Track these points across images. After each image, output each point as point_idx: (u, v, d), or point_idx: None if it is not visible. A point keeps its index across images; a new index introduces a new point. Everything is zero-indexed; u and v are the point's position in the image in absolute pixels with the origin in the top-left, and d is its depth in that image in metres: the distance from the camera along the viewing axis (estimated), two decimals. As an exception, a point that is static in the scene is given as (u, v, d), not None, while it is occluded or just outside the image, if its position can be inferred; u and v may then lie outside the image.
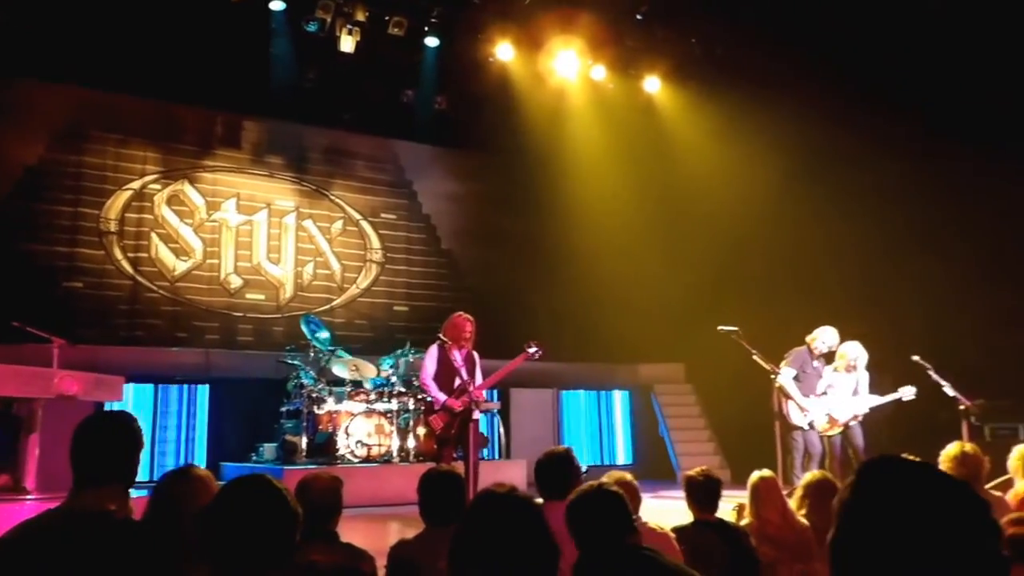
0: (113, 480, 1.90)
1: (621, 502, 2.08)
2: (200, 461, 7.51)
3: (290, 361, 7.78)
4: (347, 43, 8.86)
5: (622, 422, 10.39)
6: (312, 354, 7.85)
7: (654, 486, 7.06)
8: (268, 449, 7.69)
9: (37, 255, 8.32)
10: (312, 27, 8.77)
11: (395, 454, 7.51)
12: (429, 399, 5.55)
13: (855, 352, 6.00)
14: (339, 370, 7.72)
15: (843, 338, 6.09)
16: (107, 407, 5.79)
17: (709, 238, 9.39)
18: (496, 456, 8.36)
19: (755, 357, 5.78)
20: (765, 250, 8.95)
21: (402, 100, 10.09)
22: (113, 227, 8.84)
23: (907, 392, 5.88)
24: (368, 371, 7.83)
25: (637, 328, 9.56)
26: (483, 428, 6.96)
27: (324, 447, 7.41)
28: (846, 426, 6.00)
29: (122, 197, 8.95)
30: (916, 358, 5.74)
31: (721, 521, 3.11)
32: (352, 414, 7.45)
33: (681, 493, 3.22)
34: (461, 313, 5.52)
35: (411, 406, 7.62)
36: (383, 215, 10.48)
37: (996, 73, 7.44)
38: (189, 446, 8.12)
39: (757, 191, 8.55)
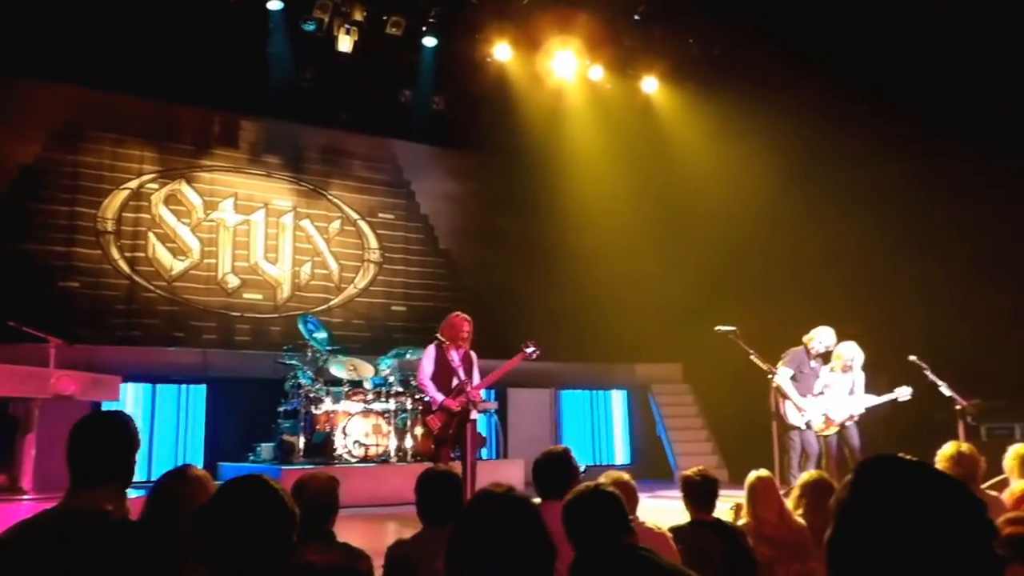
0: (110, 480, 1.89)
1: (617, 502, 2.08)
2: (197, 461, 7.49)
3: (288, 361, 7.78)
4: (345, 43, 8.86)
5: (620, 422, 10.40)
6: (310, 354, 7.84)
7: (652, 486, 7.07)
8: (265, 449, 7.69)
9: (34, 255, 8.30)
10: (310, 27, 8.76)
11: (392, 454, 7.51)
12: (427, 399, 5.55)
13: (851, 352, 6.01)
14: (337, 370, 7.72)
15: (840, 338, 6.10)
16: (104, 407, 5.77)
17: (707, 238, 9.40)
18: (494, 456, 8.37)
19: (752, 357, 5.79)
20: (763, 250, 8.96)
21: (400, 100, 10.09)
22: (110, 227, 8.82)
23: (903, 393, 5.90)
24: (366, 371, 7.83)
25: (635, 328, 9.56)
26: (481, 428, 6.95)
27: (321, 447, 7.40)
28: (842, 426, 6.01)
29: (119, 196, 8.93)
30: (913, 358, 5.75)
31: (718, 521, 3.12)
32: (349, 414, 7.45)
33: (679, 493, 3.22)
34: (458, 313, 5.52)
35: (409, 406, 7.62)
36: (381, 215, 10.47)
37: (994, 73, 7.46)
38: (186, 446, 8.11)
39: (755, 191, 8.56)
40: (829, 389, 6.06)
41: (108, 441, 1.94)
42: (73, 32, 8.03)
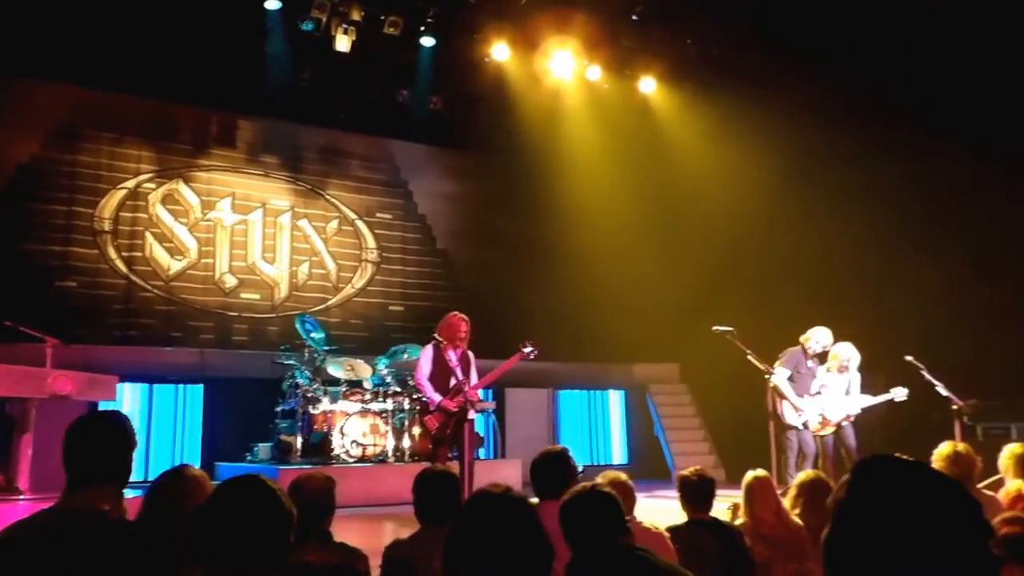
0: (106, 480, 1.89)
1: (614, 503, 2.09)
2: (194, 461, 7.49)
3: (285, 361, 7.77)
4: (343, 42, 8.85)
5: (617, 422, 10.40)
6: (307, 354, 7.83)
7: (649, 486, 7.07)
8: (263, 449, 7.68)
9: (30, 254, 8.28)
10: (308, 26, 8.75)
11: (390, 454, 7.50)
12: (425, 399, 5.54)
13: (847, 353, 6.02)
14: (334, 370, 7.71)
15: (837, 338, 6.12)
16: (101, 407, 5.77)
17: (704, 239, 9.41)
18: (491, 456, 8.37)
19: (750, 357, 5.80)
20: (760, 250, 8.98)
21: (398, 100, 10.08)
22: (107, 226, 8.80)
23: (899, 393, 5.91)
24: (363, 371, 7.83)
25: (632, 328, 9.57)
26: (479, 428, 6.95)
27: (319, 447, 7.40)
28: (838, 426, 6.03)
29: (116, 196, 8.91)
30: (909, 358, 5.76)
31: (716, 520, 3.12)
32: (347, 414, 7.45)
33: (676, 493, 3.22)
34: (456, 313, 5.52)
35: (406, 406, 7.62)
36: (378, 215, 10.47)
37: (990, 73, 7.48)
38: (183, 446, 8.10)
39: (752, 191, 8.57)
40: (826, 389, 6.07)
41: (105, 441, 1.94)
42: (70, 31, 8.01)
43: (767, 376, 5.90)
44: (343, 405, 7.49)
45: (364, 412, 7.50)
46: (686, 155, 9.54)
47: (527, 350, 5.45)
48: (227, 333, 9.21)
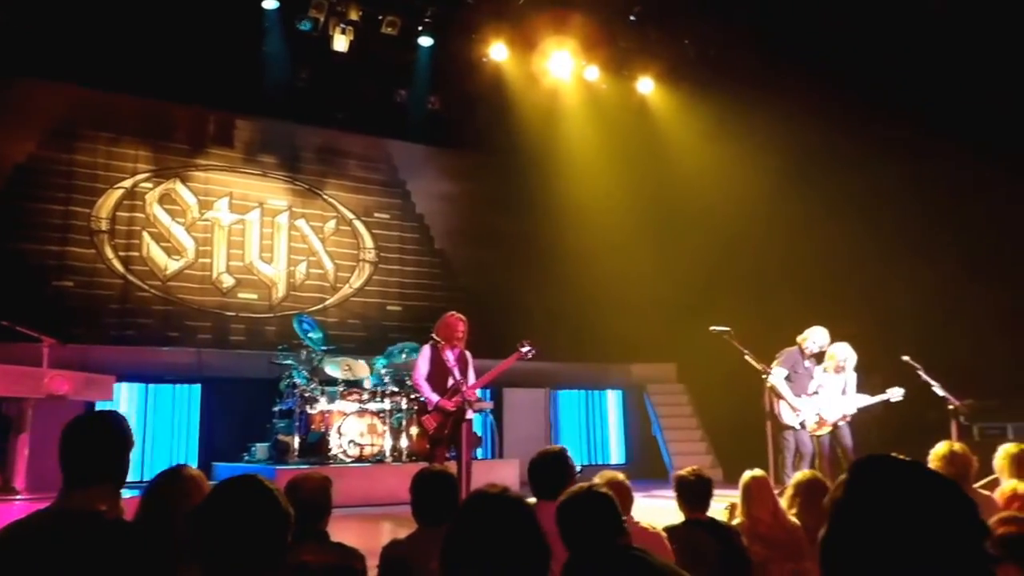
0: (103, 480, 1.89)
1: (610, 503, 2.09)
2: (192, 461, 7.48)
3: (283, 361, 7.76)
4: (340, 42, 8.85)
5: (615, 422, 10.41)
6: (305, 354, 7.83)
7: (647, 485, 7.08)
8: (260, 449, 7.67)
9: (27, 254, 8.27)
10: (305, 26, 8.74)
11: (388, 454, 7.50)
12: (422, 399, 5.54)
13: (844, 353, 6.03)
14: (332, 370, 7.71)
15: (834, 338, 6.13)
16: (97, 407, 5.76)
17: (702, 239, 9.42)
18: (489, 456, 8.37)
19: (747, 357, 5.81)
20: (757, 251, 8.99)
21: (395, 100, 10.08)
22: (104, 226, 8.79)
23: (895, 394, 5.92)
24: (361, 371, 7.82)
25: (630, 328, 9.58)
26: (476, 428, 6.96)
27: (316, 447, 7.39)
28: (835, 426, 6.04)
29: (113, 196, 8.90)
30: (906, 358, 5.77)
31: (713, 520, 3.13)
32: (345, 414, 7.44)
33: (674, 492, 3.23)
34: (454, 313, 5.53)
35: (404, 406, 7.62)
36: (376, 215, 10.46)
37: (987, 75, 7.50)
38: (181, 446, 8.09)
39: (749, 192, 8.59)
40: (823, 389, 6.08)
41: (101, 441, 1.93)
42: (68, 31, 7.99)
43: (764, 376, 5.91)
44: (341, 405, 7.49)
45: (362, 412, 7.50)
46: (684, 155, 9.55)
47: (525, 350, 5.46)
48: (224, 333, 9.20)
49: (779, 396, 5.98)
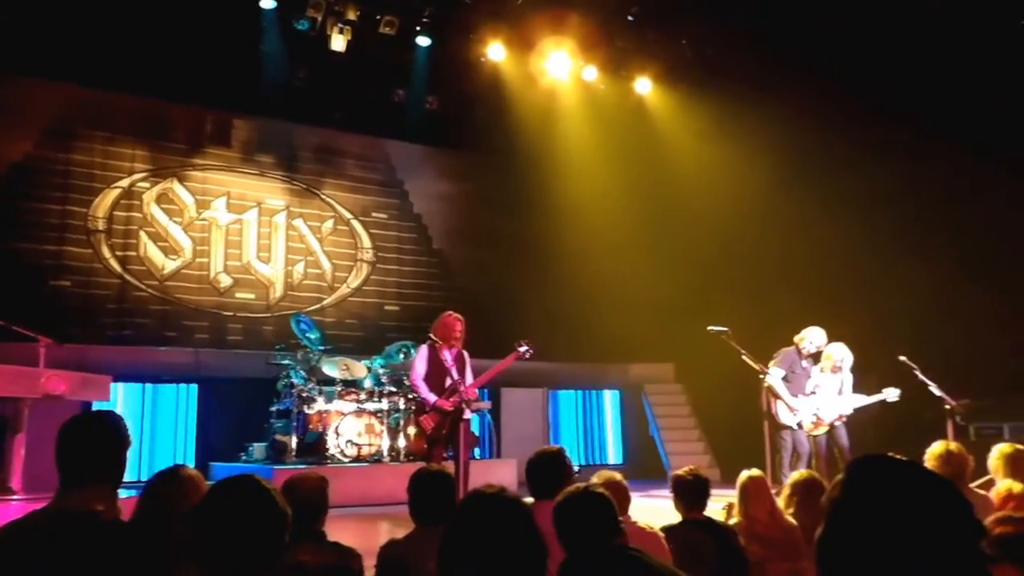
0: (100, 480, 1.89)
1: (607, 504, 2.09)
2: (189, 461, 7.47)
3: (280, 361, 7.75)
4: (338, 42, 8.83)
5: (612, 422, 10.42)
6: (302, 353, 7.82)
7: (644, 485, 7.09)
8: (258, 449, 7.66)
9: (24, 253, 8.24)
10: (303, 25, 8.73)
11: (385, 454, 7.50)
12: (420, 399, 5.55)
13: (841, 354, 6.05)
14: (329, 369, 7.70)
15: (831, 338, 6.14)
16: (94, 407, 5.75)
17: (699, 239, 9.44)
18: (487, 456, 8.37)
19: (744, 357, 5.82)
20: (754, 251, 9.01)
21: (393, 99, 10.07)
22: (101, 225, 8.77)
23: (891, 394, 5.94)
24: (358, 371, 7.82)
25: (627, 328, 9.59)
26: (474, 428, 6.96)
27: (314, 447, 7.39)
28: (831, 426, 6.05)
29: (110, 195, 8.88)
30: (903, 358, 5.79)
31: (710, 520, 3.13)
32: (342, 413, 7.44)
33: (671, 492, 3.23)
34: (451, 312, 5.53)
35: (402, 405, 7.62)
36: (374, 214, 10.45)
37: (984, 76, 7.52)
38: (178, 446, 8.08)
39: (746, 192, 8.60)
40: (820, 389, 6.09)
41: (98, 441, 1.93)
42: (64, 30, 7.97)
43: (762, 376, 5.92)
44: (338, 405, 7.48)
45: (359, 412, 7.49)
46: (681, 156, 9.56)
47: (522, 349, 5.46)
48: (222, 333, 9.18)
49: (776, 396, 5.99)
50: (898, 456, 1.09)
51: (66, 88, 8.59)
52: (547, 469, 2.85)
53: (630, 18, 9.35)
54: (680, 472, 3.21)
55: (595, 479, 2.60)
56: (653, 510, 4.37)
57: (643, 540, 2.50)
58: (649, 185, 9.99)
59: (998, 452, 3.56)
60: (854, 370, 6.13)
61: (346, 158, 10.38)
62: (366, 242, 10.36)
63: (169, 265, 9.06)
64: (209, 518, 1.58)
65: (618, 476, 2.89)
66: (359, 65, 9.39)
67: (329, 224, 10.14)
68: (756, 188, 8.50)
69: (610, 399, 10.46)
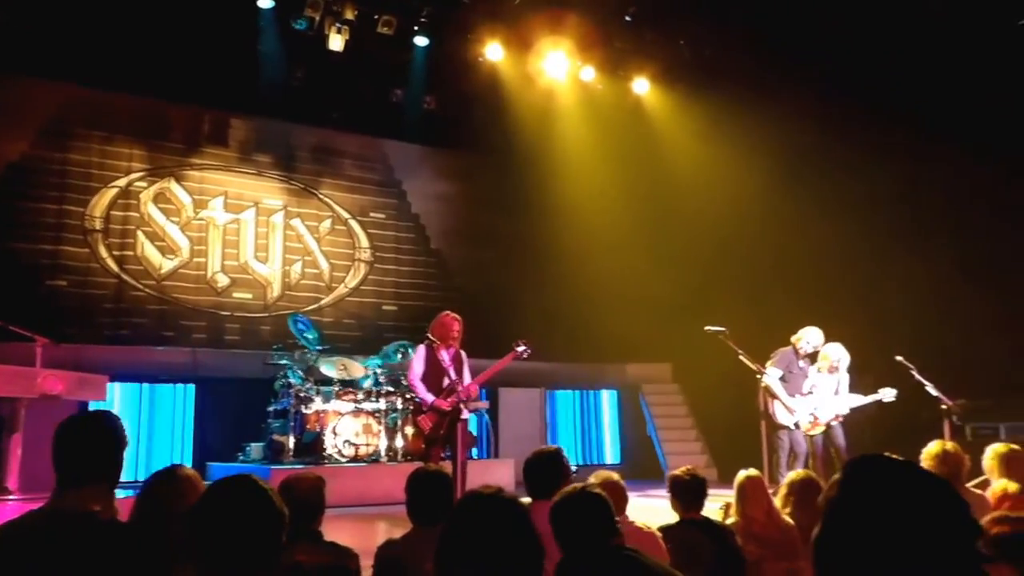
0: (97, 480, 1.88)
1: (604, 504, 2.09)
2: (187, 461, 7.46)
3: (278, 360, 7.75)
4: (336, 42, 8.83)
5: (610, 422, 10.43)
6: (300, 353, 7.82)
7: (642, 485, 7.09)
8: (255, 449, 7.66)
9: (20, 253, 8.23)
10: (301, 25, 8.72)
11: (383, 454, 7.49)
12: (418, 399, 5.55)
13: (838, 354, 6.06)
14: (327, 369, 7.70)
15: (828, 339, 6.15)
16: (91, 407, 5.74)
17: (696, 239, 9.45)
18: (484, 455, 8.37)
19: (742, 357, 5.83)
20: (752, 251, 9.02)
21: (391, 99, 10.07)
22: (98, 225, 8.75)
23: (887, 394, 5.95)
24: (356, 370, 7.81)
25: (625, 328, 9.59)
26: (472, 428, 6.97)
27: (311, 447, 7.38)
28: (828, 426, 6.07)
29: (107, 195, 8.86)
30: (900, 358, 5.80)
31: (707, 520, 3.14)
32: (340, 413, 7.43)
33: (668, 492, 3.23)
34: (449, 312, 5.53)
35: (399, 405, 7.62)
36: (372, 214, 10.45)
37: (983, 77, 7.53)
38: (175, 446, 8.06)
39: (744, 192, 8.61)
40: (817, 389, 6.11)
41: (95, 441, 1.93)
42: (62, 29, 7.96)
43: (759, 376, 5.93)
44: (336, 405, 7.48)
45: (357, 412, 7.49)
46: (679, 156, 9.57)
47: (520, 349, 5.46)
48: (219, 332, 9.17)
49: (773, 396, 6.00)
50: (895, 456, 1.10)
51: (63, 87, 8.58)
52: (544, 469, 2.85)
53: (628, 18, 9.36)
54: (677, 472, 3.22)
55: (592, 479, 2.60)
56: (650, 510, 4.37)
57: (640, 540, 2.51)
58: (647, 185, 10.00)
59: (993, 452, 3.57)
60: (851, 370, 6.14)
61: (344, 158, 10.37)
62: (364, 242, 10.36)
63: (166, 265, 9.05)
64: (206, 518, 1.58)
65: (615, 476, 2.89)
66: (357, 65, 9.39)
67: (327, 224, 10.13)
68: (754, 188, 8.51)
69: (607, 399, 10.46)
